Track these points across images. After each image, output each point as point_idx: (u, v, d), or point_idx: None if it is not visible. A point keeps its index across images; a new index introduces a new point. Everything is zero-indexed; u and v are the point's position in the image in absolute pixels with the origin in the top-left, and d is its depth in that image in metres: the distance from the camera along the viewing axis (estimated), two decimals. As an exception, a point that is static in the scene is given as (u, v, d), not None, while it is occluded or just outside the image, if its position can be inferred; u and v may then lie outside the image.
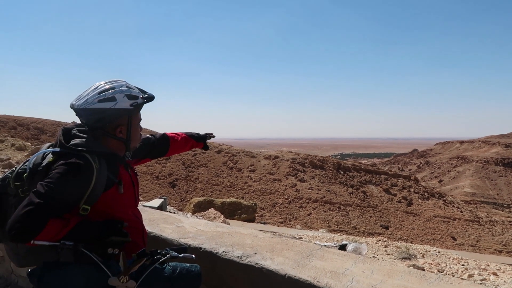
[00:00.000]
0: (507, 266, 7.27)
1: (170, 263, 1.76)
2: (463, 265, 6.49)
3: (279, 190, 44.67)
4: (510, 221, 51.69)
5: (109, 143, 1.79)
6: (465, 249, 34.78)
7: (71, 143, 1.68)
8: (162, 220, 3.21)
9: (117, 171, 1.77)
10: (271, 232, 7.92)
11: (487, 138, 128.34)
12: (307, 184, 46.07)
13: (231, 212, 14.06)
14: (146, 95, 1.84)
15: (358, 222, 40.98)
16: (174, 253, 1.77)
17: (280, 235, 7.51)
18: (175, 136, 2.49)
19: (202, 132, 2.73)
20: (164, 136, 2.43)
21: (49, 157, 1.67)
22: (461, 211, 50.60)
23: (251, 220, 14.29)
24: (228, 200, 15.53)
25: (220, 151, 51.13)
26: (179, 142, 2.49)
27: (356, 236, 13.38)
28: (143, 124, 1.98)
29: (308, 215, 40.71)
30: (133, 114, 1.82)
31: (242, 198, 38.39)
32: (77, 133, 1.76)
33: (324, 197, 43.92)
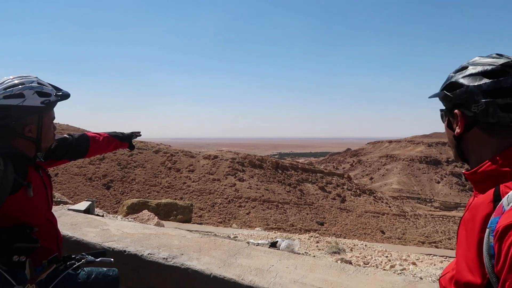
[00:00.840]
0: (425, 256, 7.93)
1: (85, 268, 1.69)
2: (386, 256, 6.96)
3: (218, 190, 44.57)
4: (431, 215, 56.44)
5: (17, 143, 1.66)
6: (392, 242, 37.31)
7: None
8: (85, 224, 3.06)
9: (25, 173, 1.65)
10: (207, 232, 7.90)
11: (412, 138, 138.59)
12: (246, 184, 46.47)
13: (166, 213, 13.77)
14: (60, 93, 1.74)
15: (295, 220, 42.18)
16: (90, 258, 1.69)
17: (215, 234, 7.52)
18: (96, 136, 2.35)
19: (128, 131, 2.62)
20: (84, 136, 2.29)
21: None
22: (389, 206, 54.18)
23: (187, 221, 14.10)
24: (163, 201, 15.18)
25: (158, 151, 49.80)
26: (100, 142, 2.37)
27: (293, 233, 13.76)
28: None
29: (247, 214, 41.09)
30: (45, 112, 1.69)
31: (181, 198, 37.78)
32: None
33: (263, 196, 44.61)
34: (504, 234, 0.84)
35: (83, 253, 1.72)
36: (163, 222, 8.97)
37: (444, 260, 7.43)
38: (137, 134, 2.63)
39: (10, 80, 1.63)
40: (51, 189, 1.86)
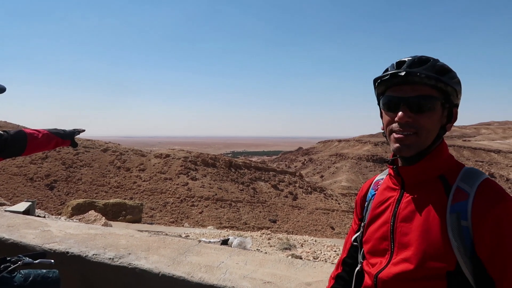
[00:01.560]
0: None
1: (22, 271, 1.59)
2: (335, 251, 7.21)
3: (170, 189, 43.79)
4: (377, 210, 59.11)
5: None
6: (342, 237, 38.63)
7: None
8: (24, 225, 2.88)
9: None
10: (157, 232, 7.72)
11: (360, 137, 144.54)
12: (199, 183, 46.05)
13: (115, 213, 13.28)
14: None
15: (248, 218, 42.45)
16: (27, 260, 1.60)
17: (166, 234, 7.37)
18: (34, 133, 2.20)
19: (70, 128, 2.48)
20: (21, 133, 2.13)
21: None
22: (339, 203, 56.14)
23: (137, 221, 13.71)
24: (112, 201, 14.64)
25: (106, 149, 47.97)
26: (39, 139, 2.21)
27: (246, 231, 13.83)
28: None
29: (200, 213, 40.74)
30: None
31: (131, 198, 36.67)
32: None
33: (216, 194, 44.45)
34: (484, 216, 0.99)
35: (20, 255, 1.62)
36: (111, 222, 8.66)
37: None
38: (80, 131, 2.50)
39: None
40: None
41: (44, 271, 1.64)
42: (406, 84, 1.10)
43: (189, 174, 47.33)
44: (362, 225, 1.29)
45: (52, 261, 1.70)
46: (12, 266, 1.53)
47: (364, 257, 1.24)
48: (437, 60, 1.12)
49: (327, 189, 64.55)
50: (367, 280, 1.17)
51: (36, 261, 1.63)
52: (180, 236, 6.97)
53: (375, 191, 1.27)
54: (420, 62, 1.11)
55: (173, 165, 48.15)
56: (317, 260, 6.14)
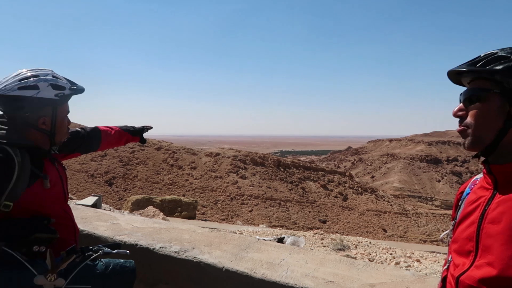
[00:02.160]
0: (429, 253, 7.95)
1: (103, 259, 1.71)
2: (391, 254, 6.99)
3: (220, 187, 44.65)
4: (433, 213, 56.46)
5: (32, 135, 1.67)
6: (394, 240, 37.32)
7: None
8: (95, 218, 3.08)
9: (41, 165, 1.66)
10: (212, 228, 7.90)
11: (412, 137, 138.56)
12: (248, 181, 46.54)
13: (171, 209, 13.79)
14: (75, 87, 1.75)
15: (298, 217, 42.24)
16: (106, 249, 1.71)
17: (220, 231, 7.53)
18: (108, 130, 2.37)
19: (138, 125, 2.63)
20: (96, 129, 2.31)
21: None
22: (391, 205, 54.22)
23: (191, 217, 14.14)
24: (168, 197, 15.22)
25: (160, 148, 49.89)
26: (112, 136, 2.38)
27: (295, 230, 13.80)
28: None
29: (250, 211, 41.18)
30: (59, 105, 1.70)
31: (183, 195, 37.83)
32: None
33: (265, 193, 44.69)
34: None
35: (100, 245, 1.74)
36: (168, 218, 9.00)
37: (448, 258, 7.43)
38: (148, 128, 2.65)
39: (25, 72, 1.64)
40: (66, 181, 1.87)
41: (122, 260, 1.75)
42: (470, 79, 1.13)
43: (238, 172, 47.99)
44: (453, 223, 1.22)
45: (128, 251, 1.81)
46: (94, 255, 1.65)
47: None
48: (493, 53, 1.07)
49: (378, 190, 62.57)
50: (450, 281, 1.11)
51: (114, 251, 1.75)
52: (235, 233, 7.10)
53: (470, 189, 1.20)
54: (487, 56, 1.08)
55: (223, 164, 49.05)
56: (372, 261, 6.00)
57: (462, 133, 1.10)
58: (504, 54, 1.04)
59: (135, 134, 2.54)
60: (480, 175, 1.21)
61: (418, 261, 6.41)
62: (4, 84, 1.60)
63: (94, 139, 2.28)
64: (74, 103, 1.83)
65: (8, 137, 1.57)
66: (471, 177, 1.30)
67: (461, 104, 1.11)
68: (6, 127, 1.62)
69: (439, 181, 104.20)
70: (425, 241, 40.97)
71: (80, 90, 1.76)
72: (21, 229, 1.50)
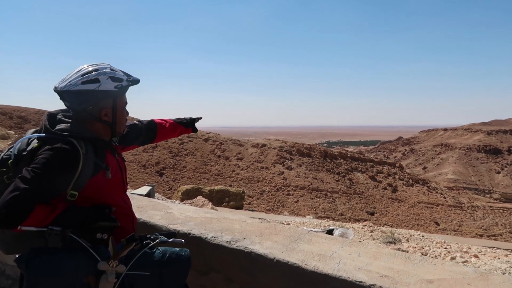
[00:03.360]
0: (487, 248, 7.51)
1: (159, 247, 1.77)
2: (445, 248, 6.67)
3: (266, 178, 44.91)
4: (490, 207, 53.17)
5: (95, 128, 1.77)
6: (448, 234, 35.68)
7: (56, 128, 1.66)
8: (150, 207, 3.20)
9: (104, 156, 1.75)
10: (260, 218, 7.99)
11: (469, 126, 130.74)
12: (294, 172, 46.40)
13: (219, 199, 14.08)
14: (131, 78, 1.82)
15: (345, 209, 41.58)
16: (163, 238, 1.77)
17: (268, 221, 7.57)
18: (162, 123, 2.46)
19: (188, 115, 2.70)
20: (152, 122, 2.40)
21: (34, 143, 1.65)
22: (444, 197, 51.75)
23: (239, 207, 14.36)
24: (216, 187, 15.55)
25: (207, 139, 50.99)
26: (167, 128, 2.47)
27: (342, 222, 13.59)
28: (130, 111, 1.95)
29: (296, 202, 41.11)
30: (118, 96, 1.79)
31: (230, 186, 38.47)
32: (63, 118, 1.74)
33: (311, 184, 44.35)
34: None
35: (157, 233, 1.80)
36: (217, 208, 9.20)
37: (509, 254, 6.98)
38: (199, 118, 2.71)
39: (86, 68, 1.73)
40: (125, 172, 1.96)
41: (178, 249, 1.80)
42: None
43: (284, 163, 47.96)
44: None
45: (183, 240, 1.86)
46: (152, 243, 1.71)
47: None
48: None
49: (430, 181, 59.89)
50: None
51: (170, 240, 1.80)
52: (282, 223, 7.11)
53: None
54: None
55: (269, 155, 49.22)
56: (426, 256, 5.76)
57: None
58: None
59: (188, 125, 2.62)
60: None
61: (476, 256, 6.07)
62: (69, 81, 1.69)
63: (150, 131, 2.38)
64: (130, 97, 1.90)
65: (73, 130, 1.66)
66: None
67: None
68: (71, 121, 1.72)
69: (498, 172, 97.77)
70: (481, 236, 38.79)
71: (136, 81, 1.84)
72: (86, 217, 1.59)
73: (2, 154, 1.71)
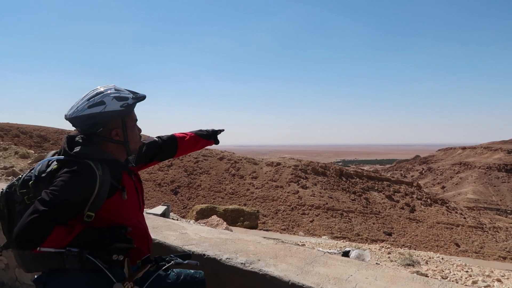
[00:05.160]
0: (511, 272, 7.22)
1: (174, 269, 1.77)
2: (467, 271, 6.45)
3: (281, 197, 44.56)
4: (514, 228, 51.32)
5: (109, 149, 1.81)
6: (468, 256, 34.52)
7: (74, 150, 1.71)
8: (165, 227, 3.22)
9: (120, 177, 1.78)
10: (274, 239, 7.90)
11: (489, 144, 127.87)
12: (309, 191, 45.95)
13: (233, 219, 14.02)
14: (136, 96, 1.85)
15: (361, 229, 40.77)
16: (178, 260, 1.78)
17: (283, 241, 7.49)
18: (183, 136, 2.47)
19: (210, 128, 2.67)
20: (172, 137, 2.42)
21: (54, 165, 1.69)
22: (464, 218, 50.29)
23: (253, 227, 14.25)
24: (230, 207, 15.50)
25: (222, 158, 51.14)
26: (187, 141, 2.47)
27: (359, 243, 13.32)
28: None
29: (311, 222, 40.54)
30: (126, 115, 1.83)
31: (245, 205, 38.30)
32: (80, 141, 1.78)
33: (327, 203, 43.77)
34: None
35: (172, 255, 1.81)
36: (231, 227, 9.15)
37: (535, 278, 6.70)
38: (221, 130, 2.70)
39: (91, 92, 1.80)
40: (142, 193, 1.98)
41: (192, 271, 1.81)
42: None
43: (299, 182, 47.59)
44: None
45: (198, 262, 1.86)
46: (167, 265, 1.72)
47: None
48: None
49: (450, 201, 58.41)
50: None
51: (185, 262, 1.81)
52: (297, 244, 7.02)
53: None
54: None
55: (284, 173, 48.96)
56: (446, 279, 5.58)
57: None
58: None
59: (210, 137, 2.61)
60: None
61: (499, 280, 5.84)
62: (76, 107, 1.77)
63: (170, 146, 2.39)
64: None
65: (91, 152, 1.70)
66: None
67: None
68: (89, 143, 1.76)
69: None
70: (504, 258, 37.37)
71: (141, 98, 1.87)
72: (102, 238, 1.61)
73: (24, 175, 1.76)
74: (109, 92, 1.78)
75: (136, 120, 1.93)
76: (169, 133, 2.46)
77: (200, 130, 2.58)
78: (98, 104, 1.74)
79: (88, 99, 1.75)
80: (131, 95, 1.83)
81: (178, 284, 1.71)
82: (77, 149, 1.71)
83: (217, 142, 2.67)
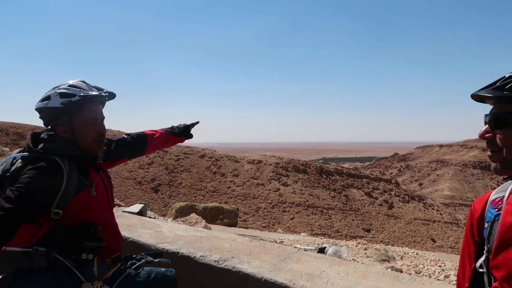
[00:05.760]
0: (482, 267, 7.46)
1: (145, 268, 1.76)
2: (440, 266, 6.64)
3: (262, 194, 44.72)
4: (487, 223, 52.92)
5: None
6: (444, 251, 35.47)
7: (39, 147, 1.67)
8: (140, 225, 3.19)
9: (87, 173, 1.75)
10: (252, 236, 7.94)
11: (465, 142, 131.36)
12: (290, 188, 46.26)
13: (213, 217, 14.00)
14: (83, 94, 1.72)
15: (341, 226, 41.34)
16: (149, 258, 1.77)
17: (261, 239, 7.54)
18: (154, 134, 2.42)
19: (183, 122, 2.61)
20: (141, 134, 2.36)
21: (18, 163, 1.66)
22: (441, 214, 51.65)
23: (233, 224, 14.26)
24: (210, 205, 15.47)
25: (203, 156, 50.91)
26: (157, 139, 2.42)
27: (338, 239, 13.50)
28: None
29: (291, 219, 40.86)
30: (72, 112, 1.72)
31: (226, 202, 38.24)
32: (46, 137, 1.74)
33: (307, 201, 44.18)
34: None
35: (143, 253, 1.80)
36: (210, 225, 9.14)
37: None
38: (194, 123, 2.63)
39: (59, 84, 1.77)
40: (111, 190, 1.95)
41: (163, 269, 1.80)
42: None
43: (280, 180, 47.84)
44: (486, 249, 1.13)
45: (169, 260, 1.85)
46: (138, 263, 1.71)
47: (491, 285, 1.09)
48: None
49: (427, 198, 59.84)
50: None
51: (156, 260, 1.80)
52: (276, 241, 7.06)
53: (497, 210, 1.11)
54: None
55: (265, 171, 49.13)
56: (419, 275, 5.72)
57: (492, 157, 1.07)
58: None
59: (181, 134, 2.56)
60: (498, 194, 1.16)
61: (470, 275, 6.04)
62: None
63: (140, 144, 2.33)
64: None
65: (57, 148, 1.67)
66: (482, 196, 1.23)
67: (487, 126, 1.08)
68: (55, 139, 1.73)
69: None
70: (479, 253, 38.53)
71: (88, 97, 1.73)
72: (72, 237, 1.59)
73: None
74: (60, 87, 1.73)
75: (94, 118, 1.78)
76: (139, 131, 2.42)
77: (172, 127, 2.54)
78: (45, 99, 1.71)
79: (44, 94, 1.73)
80: (81, 92, 1.72)
81: (148, 282, 1.70)
82: (42, 145, 1.68)
83: (189, 137, 2.62)
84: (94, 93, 1.77)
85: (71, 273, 1.52)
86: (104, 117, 1.86)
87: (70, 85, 1.76)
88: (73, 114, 1.74)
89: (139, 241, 2.79)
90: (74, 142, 1.75)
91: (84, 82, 1.82)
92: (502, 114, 1.04)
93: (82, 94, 1.73)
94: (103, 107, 1.90)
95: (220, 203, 31.36)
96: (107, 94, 1.84)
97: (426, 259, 7.39)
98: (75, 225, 1.64)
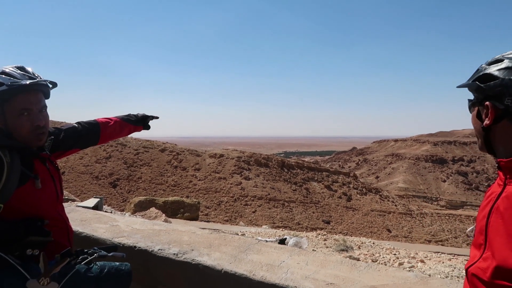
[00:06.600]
0: (433, 254, 7.88)
1: (98, 262, 1.68)
2: (394, 254, 6.94)
3: (224, 188, 44.65)
4: (437, 213, 56.13)
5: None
6: (399, 240, 37.16)
7: None
8: (95, 220, 3.06)
9: (32, 165, 1.64)
10: (214, 229, 7.91)
11: (418, 137, 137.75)
12: (252, 182, 46.50)
13: (174, 211, 13.81)
14: (12, 82, 1.58)
15: (301, 218, 42.15)
16: (102, 252, 1.69)
17: (223, 232, 7.51)
18: (107, 122, 2.27)
19: (142, 112, 2.50)
20: (94, 122, 2.22)
21: None
22: (395, 205, 53.97)
23: (194, 218, 14.15)
24: (170, 199, 15.23)
25: (164, 149, 49.97)
26: (111, 127, 2.28)
27: (299, 231, 13.75)
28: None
29: (253, 212, 41.13)
30: (5, 101, 1.59)
31: (187, 197, 37.82)
32: None
33: (269, 194, 44.63)
34: None
35: (95, 248, 1.71)
36: (171, 219, 8.99)
37: (452, 258, 7.38)
38: (154, 117, 2.54)
39: None
40: (60, 182, 1.83)
41: (117, 263, 1.72)
42: None
43: (242, 173, 47.96)
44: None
45: (124, 254, 1.78)
46: (89, 258, 1.62)
47: None
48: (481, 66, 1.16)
49: (383, 190, 62.33)
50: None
51: (110, 254, 1.72)
52: (237, 234, 7.06)
53: None
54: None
55: (227, 165, 49.04)
56: (375, 263, 5.94)
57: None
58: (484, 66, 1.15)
59: (138, 123, 2.44)
60: None
61: (422, 261, 6.35)
62: None
63: (92, 132, 2.18)
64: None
65: None
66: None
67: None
68: None
69: (444, 181, 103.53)
70: (429, 241, 40.73)
71: (24, 86, 1.59)
72: (15, 232, 1.48)
73: None
74: None
75: (27, 108, 1.62)
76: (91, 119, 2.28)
77: (128, 115, 2.41)
78: None
79: None
80: (10, 81, 1.58)
81: (101, 277, 1.62)
82: None
83: (147, 127, 2.52)
84: (25, 82, 1.61)
85: (14, 270, 1.42)
86: (43, 107, 1.70)
87: (1, 72, 1.61)
88: (5, 103, 1.60)
89: (93, 236, 2.67)
90: (8, 132, 1.62)
91: (21, 68, 1.67)
92: (468, 102, 1.20)
93: (9, 83, 1.58)
94: (47, 97, 1.76)
95: (181, 197, 30.99)
96: (44, 82, 1.68)
97: (382, 248, 7.69)
98: (20, 220, 1.53)
